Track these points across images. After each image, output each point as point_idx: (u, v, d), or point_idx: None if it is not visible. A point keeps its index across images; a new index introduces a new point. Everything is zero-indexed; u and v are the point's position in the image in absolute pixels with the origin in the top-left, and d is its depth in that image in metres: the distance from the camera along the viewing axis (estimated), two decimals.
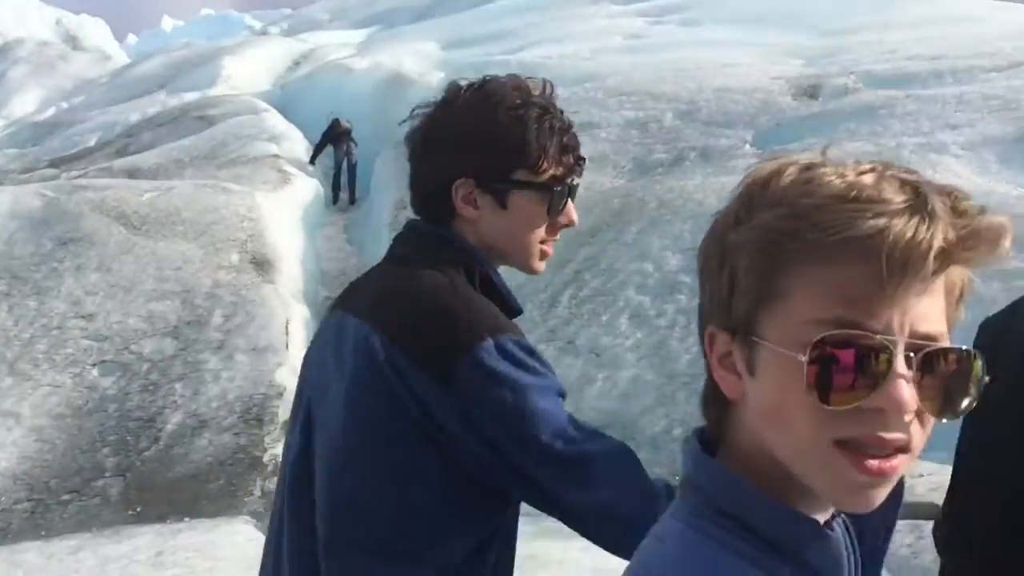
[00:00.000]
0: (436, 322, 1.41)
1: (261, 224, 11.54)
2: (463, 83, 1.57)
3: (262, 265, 10.56)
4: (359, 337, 1.46)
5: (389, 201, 13.03)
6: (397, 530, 1.43)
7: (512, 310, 1.54)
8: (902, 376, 0.71)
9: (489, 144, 1.50)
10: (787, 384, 0.74)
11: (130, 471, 7.58)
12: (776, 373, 0.75)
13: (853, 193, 0.72)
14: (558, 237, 1.59)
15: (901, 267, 0.71)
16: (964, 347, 0.76)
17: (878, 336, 0.71)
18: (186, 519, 6.54)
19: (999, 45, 12.87)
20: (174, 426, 8.01)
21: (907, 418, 0.72)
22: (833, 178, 0.74)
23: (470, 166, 1.51)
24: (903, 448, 0.74)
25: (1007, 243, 0.74)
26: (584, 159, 1.58)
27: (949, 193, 0.74)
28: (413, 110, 1.57)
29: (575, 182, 1.56)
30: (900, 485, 0.83)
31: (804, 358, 0.72)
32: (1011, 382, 1.31)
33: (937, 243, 0.71)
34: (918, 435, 0.75)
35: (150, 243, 10.54)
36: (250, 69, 27.28)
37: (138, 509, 7.09)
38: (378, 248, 12.04)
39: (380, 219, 12.90)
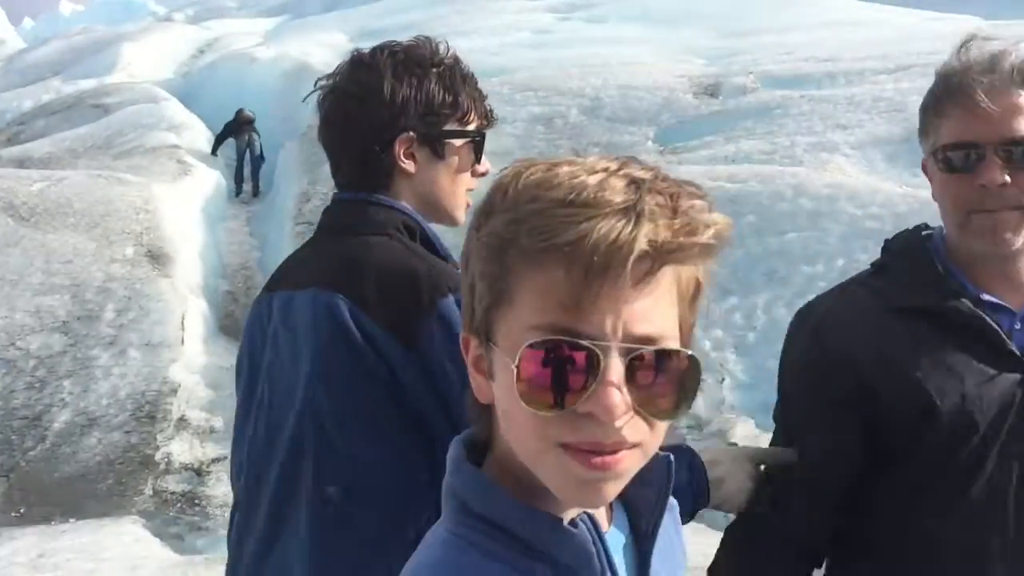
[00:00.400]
0: (401, 285, 1.47)
1: (158, 216, 11.22)
2: (368, 51, 1.64)
3: (158, 258, 10.28)
4: (321, 306, 1.49)
5: (293, 193, 12.84)
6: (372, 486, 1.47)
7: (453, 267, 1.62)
8: (611, 381, 0.70)
9: (426, 100, 1.59)
10: (512, 390, 0.73)
11: (14, 471, 7.30)
12: (505, 379, 0.75)
13: (571, 196, 0.72)
14: (476, 187, 1.67)
15: (603, 270, 0.70)
16: (682, 349, 0.75)
17: (585, 341, 0.70)
18: (72, 520, 6.34)
19: (888, 48, 13.38)
20: (62, 424, 7.74)
21: (619, 422, 0.71)
22: (564, 179, 0.73)
23: (409, 122, 1.58)
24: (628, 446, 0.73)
25: (704, 239, 0.73)
26: (493, 110, 1.70)
27: (673, 194, 0.73)
28: (317, 81, 1.64)
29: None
30: (669, 468, 0.84)
31: (514, 365, 0.72)
32: (795, 369, 1.49)
33: (640, 245, 0.70)
34: (643, 434, 0.74)
35: (39, 235, 10.16)
36: (151, 56, 26.49)
37: (22, 511, 6.83)
38: (281, 241, 11.86)
39: (284, 211, 12.69)
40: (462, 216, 1.67)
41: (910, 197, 8.34)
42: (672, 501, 0.92)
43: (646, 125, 12.31)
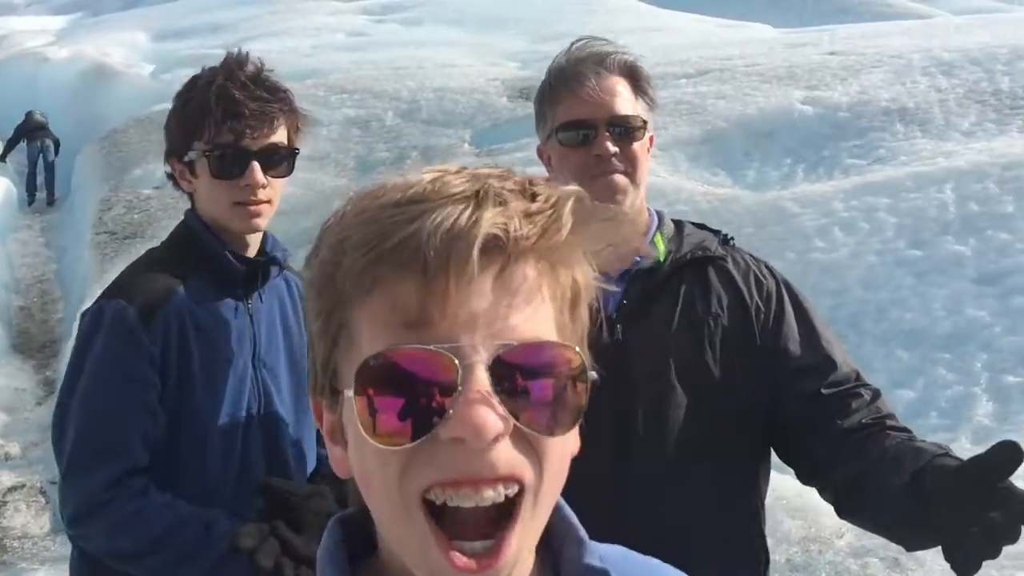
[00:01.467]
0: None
1: None
2: None
3: None
4: None
5: (92, 201, 12.06)
6: None
7: (230, 272, 1.73)
8: (477, 391, 0.56)
9: (171, 123, 1.75)
10: (360, 435, 0.59)
11: None
12: (354, 429, 0.61)
13: (400, 197, 0.60)
14: (259, 197, 1.71)
15: (442, 266, 0.57)
16: (561, 342, 0.61)
17: (432, 347, 0.57)
18: None
19: (688, 54, 14.06)
20: None
21: (493, 445, 0.57)
22: (394, 185, 0.62)
23: (169, 145, 1.76)
24: (511, 494, 0.59)
25: (570, 228, 0.61)
26: (261, 120, 1.69)
27: (527, 179, 0.63)
28: None
29: (254, 147, 1.68)
30: (573, 530, 0.71)
31: (351, 393, 0.59)
32: None
33: (485, 228, 0.57)
34: (526, 466, 0.59)
35: None
36: None
37: None
38: (80, 251, 11.15)
39: (83, 220, 11.91)
40: (240, 225, 1.74)
41: (711, 195, 8.79)
42: None
43: (462, 127, 12.40)
